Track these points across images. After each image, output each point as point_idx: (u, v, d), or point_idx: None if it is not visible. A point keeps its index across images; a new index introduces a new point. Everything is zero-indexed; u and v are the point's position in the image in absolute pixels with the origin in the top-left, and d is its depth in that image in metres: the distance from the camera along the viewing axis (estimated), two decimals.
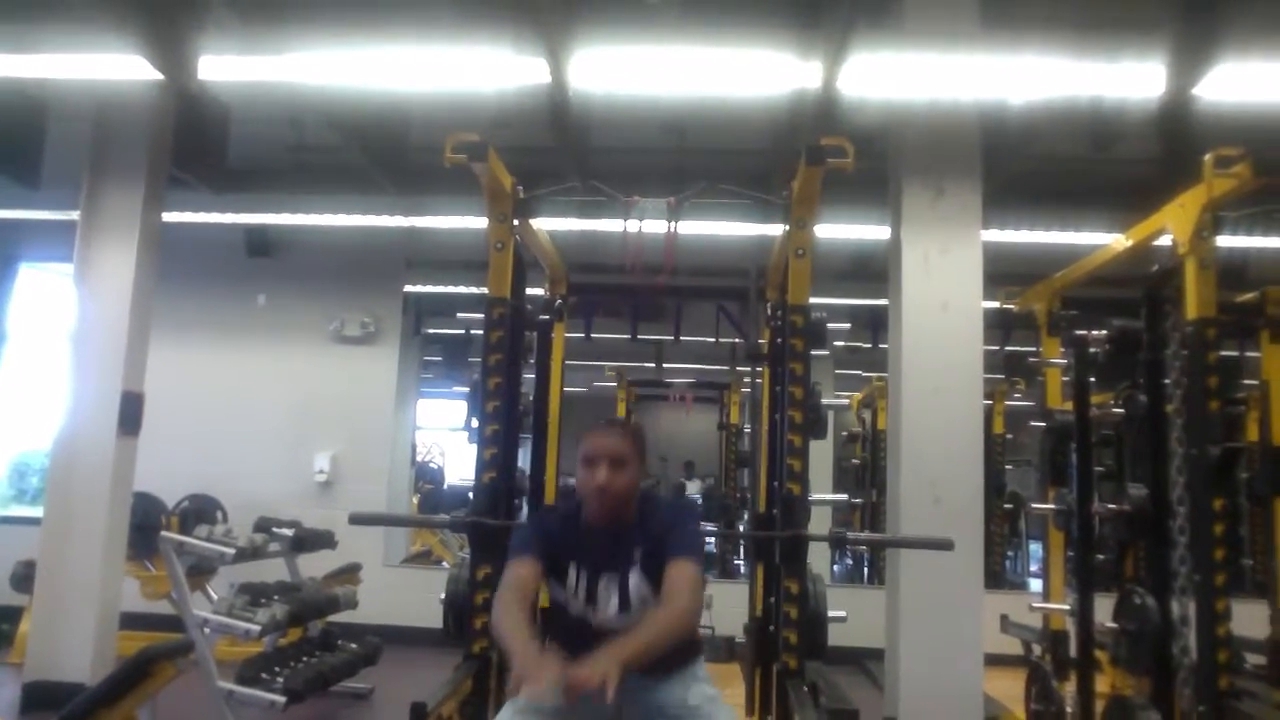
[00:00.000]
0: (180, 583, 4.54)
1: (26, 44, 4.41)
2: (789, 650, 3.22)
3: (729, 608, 6.16)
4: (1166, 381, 3.43)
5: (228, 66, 4.53)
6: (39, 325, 8.09)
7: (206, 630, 4.46)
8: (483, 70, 4.38)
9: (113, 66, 4.47)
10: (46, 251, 7.80)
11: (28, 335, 8.14)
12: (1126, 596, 3.53)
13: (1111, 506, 3.80)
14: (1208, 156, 3.14)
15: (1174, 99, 4.29)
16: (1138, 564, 4.17)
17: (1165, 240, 3.47)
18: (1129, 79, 4.25)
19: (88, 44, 4.37)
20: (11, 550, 5.89)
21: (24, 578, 5.61)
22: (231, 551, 4.59)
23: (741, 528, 8.37)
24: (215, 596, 5.46)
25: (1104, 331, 3.92)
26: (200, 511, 6.58)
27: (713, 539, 9.30)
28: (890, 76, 4.35)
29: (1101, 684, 4.17)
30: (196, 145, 5.91)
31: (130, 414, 5.23)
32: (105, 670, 4.60)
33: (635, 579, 2.33)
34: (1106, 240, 4.35)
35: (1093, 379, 4.27)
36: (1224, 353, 3.29)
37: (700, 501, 11.72)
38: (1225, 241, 3.42)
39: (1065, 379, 4.54)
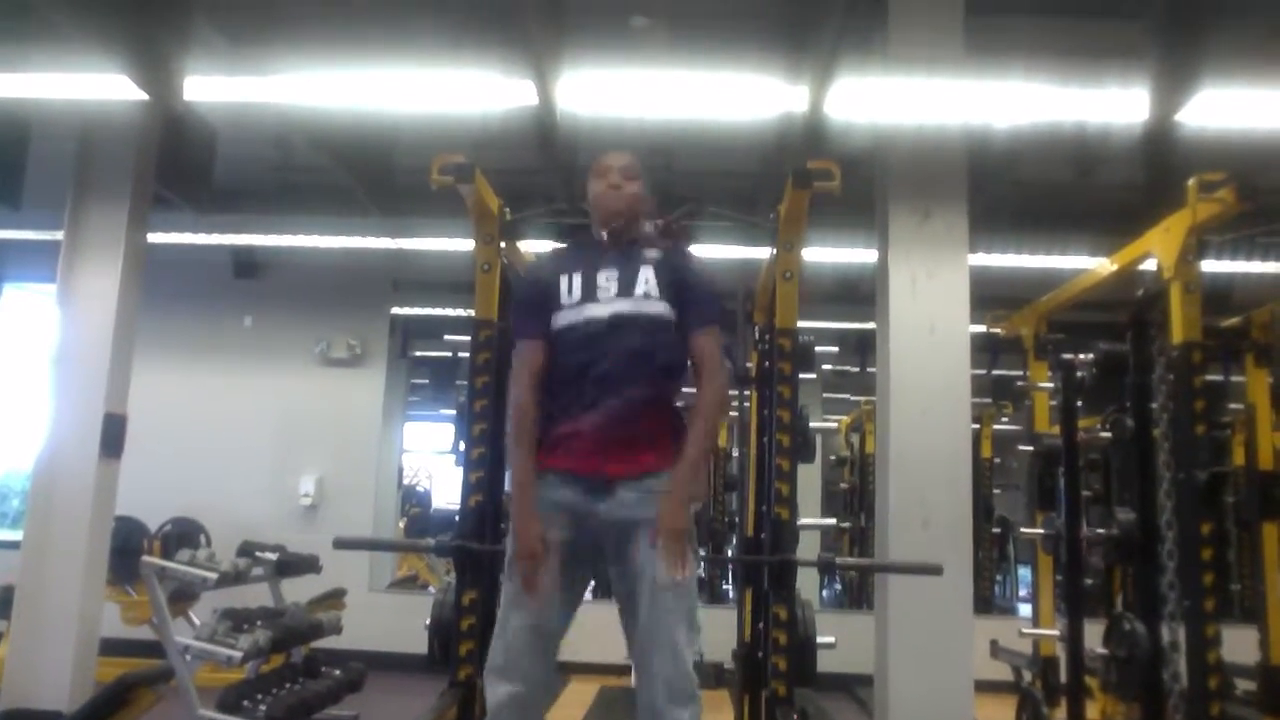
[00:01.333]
0: (161, 608, 4.47)
1: (10, 63, 4.40)
2: (778, 677, 3.19)
3: (717, 633, 6.11)
4: (1153, 405, 3.44)
5: (214, 87, 4.53)
6: (21, 346, 8.03)
7: (188, 656, 4.38)
8: (470, 92, 4.39)
9: (98, 86, 4.45)
10: (29, 272, 7.76)
11: (9, 356, 8.07)
12: (1116, 622, 3.52)
13: (1100, 531, 3.80)
14: (1192, 181, 3.16)
15: (1158, 124, 4.32)
16: (1127, 589, 4.16)
17: (1150, 264, 3.48)
18: (1113, 104, 4.28)
19: (72, 63, 4.36)
20: None
21: (2, 602, 5.52)
22: (214, 576, 4.53)
23: (729, 552, 8.33)
24: (197, 622, 5.38)
25: (1090, 355, 3.93)
26: (183, 535, 6.50)
27: (701, 565, 9.25)
28: (877, 100, 4.37)
29: (1092, 710, 4.14)
30: (182, 165, 5.88)
31: (113, 436, 5.17)
32: (84, 697, 4.52)
33: (646, 273, 2.31)
34: (1092, 264, 4.37)
35: (1080, 403, 4.27)
36: (1210, 377, 3.29)
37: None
38: (1210, 266, 3.43)
39: (1052, 403, 4.55)
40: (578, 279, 2.33)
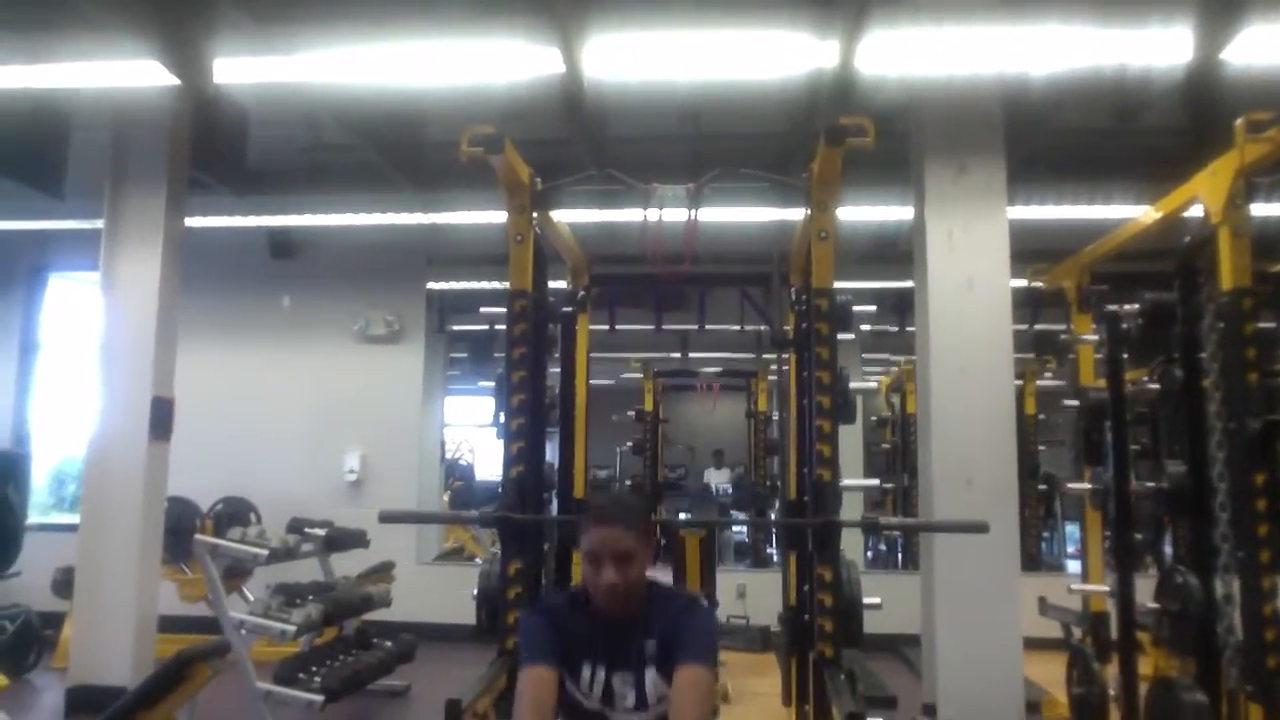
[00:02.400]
0: (216, 585, 4.58)
1: (44, 54, 4.44)
2: (824, 638, 3.19)
3: (763, 597, 6.15)
4: (1202, 355, 3.35)
5: (243, 69, 4.54)
6: (70, 334, 8.19)
7: (243, 631, 4.49)
8: (496, 63, 4.36)
9: (130, 73, 4.49)
10: (74, 261, 7.90)
11: (59, 344, 8.25)
12: (1168, 576, 3.46)
13: (1149, 484, 3.72)
14: (1239, 121, 3.05)
15: (1202, 64, 4.19)
16: (1177, 542, 4.09)
17: (1196, 210, 3.38)
18: (1154, 45, 4.15)
19: (104, 52, 4.40)
20: (53, 557, 5.96)
21: (64, 584, 5.69)
22: (265, 553, 4.62)
23: (773, 516, 8.33)
24: (251, 598, 5.50)
25: (1136, 306, 3.84)
26: (234, 514, 6.63)
27: (745, 528, 9.26)
28: (908, 52, 4.28)
29: (1144, 665, 4.09)
30: (216, 149, 5.94)
31: (161, 419, 5.27)
32: (145, 673, 4.64)
33: (651, 677, 2.27)
34: (1135, 213, 4.26)
35: (1126, 355, 4.18)
36: (1261, 324, 3.20)
37: (730, 491, 11.70)
38: (1259, 209, 3.33)
39: (1097, 356, 4.46)
40: (600, 675, 2.27)
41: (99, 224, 5.44)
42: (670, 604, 2.33)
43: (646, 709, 2.27)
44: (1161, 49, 4.16)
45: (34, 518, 6.76)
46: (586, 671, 2.28)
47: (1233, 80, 4.41)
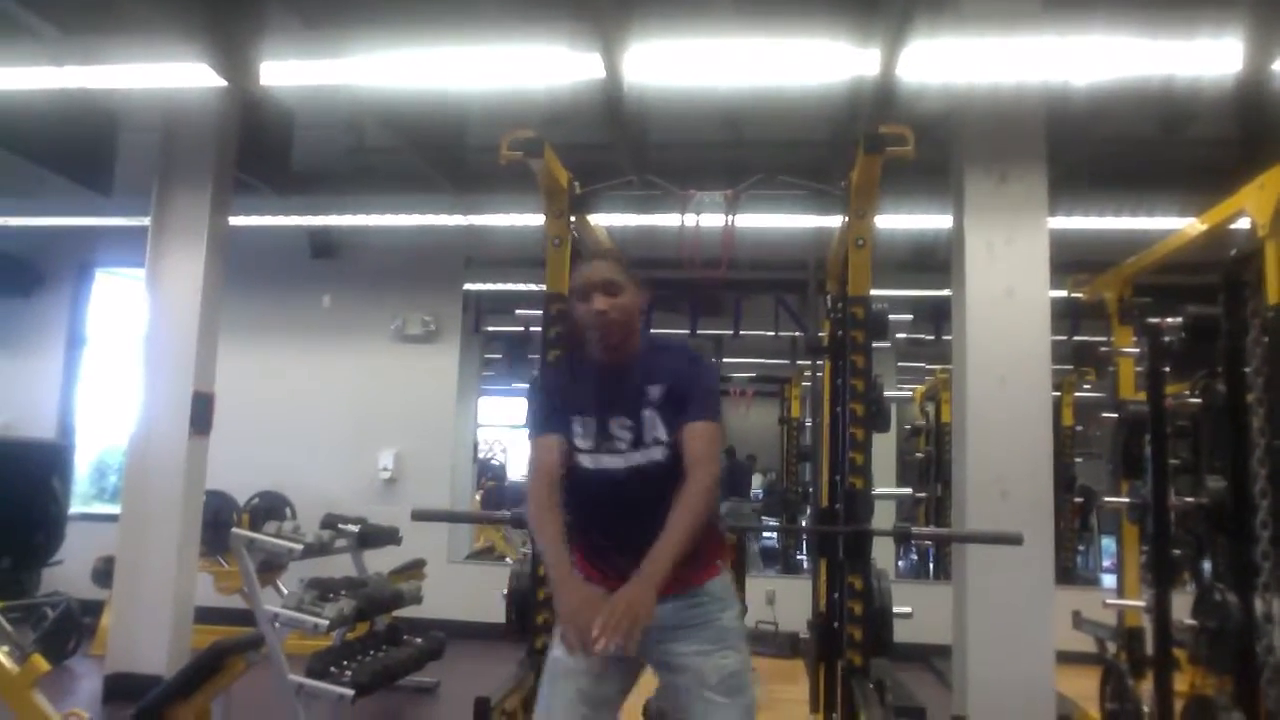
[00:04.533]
0: (251, 578, 4.64)
1: (96, 56, 4.54)
2: (853, 647, 3.18)
3: (792, 604, 6.12)
4: (1247, 370, 3.30)
5: (289, 71, 4.61)
6: (115, 329, 8.35)
7: (277, 624, 4.54)
8: (538, 67, 4.39)
9: (179, 75, 4.58)
10: (120, 257, 8.05)
11: (105, 338, 8.42)
12: (1206, 593, 3.41)
13: (1189, 500, 3.67)
14: None
15: (1251, 75, 4.13)
16: (1217, 559, 4.03)
17: (1243, 223, 3.34)
18: (1203, 55, 4.09)
19: (155, 54, 4.49)
20: (94, 546, 6.07)
21: (104, 573, 5.80)
22: (300, 548, 4.68)
23: (804, 522, 8.30)
24: (285, 591, 5.57)
25: (1179, 319, 3.79)
26: (270, 509, 6.73)
27: (775, 534, 9.24)
28: (951, 61, 4.25)
29: (1180, 683, 4.03)
30: (261, 150, 6.03)
31: (201, 414, 5.36)
32: (181, 663, 4.72)
33: (649, 416, 2.25)
34: (1179, 225, 4.20)
35: (1167, 368, 4.13)
36: None
37: (762, 496, 11.66)
38: None
39: (1138, 368, 4.40)
40: (591, 424, 2.27)
41: (145, 221, 5.54)
42: (672, 354, 2.34)
43: (643, 447, 2.24)
44: (1211, 59, 4.10)
45: (75, 507, 6.86)
46: (578, 425, 2.28)
47: None
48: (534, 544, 2.24)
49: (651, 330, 2.39)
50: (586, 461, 2.27)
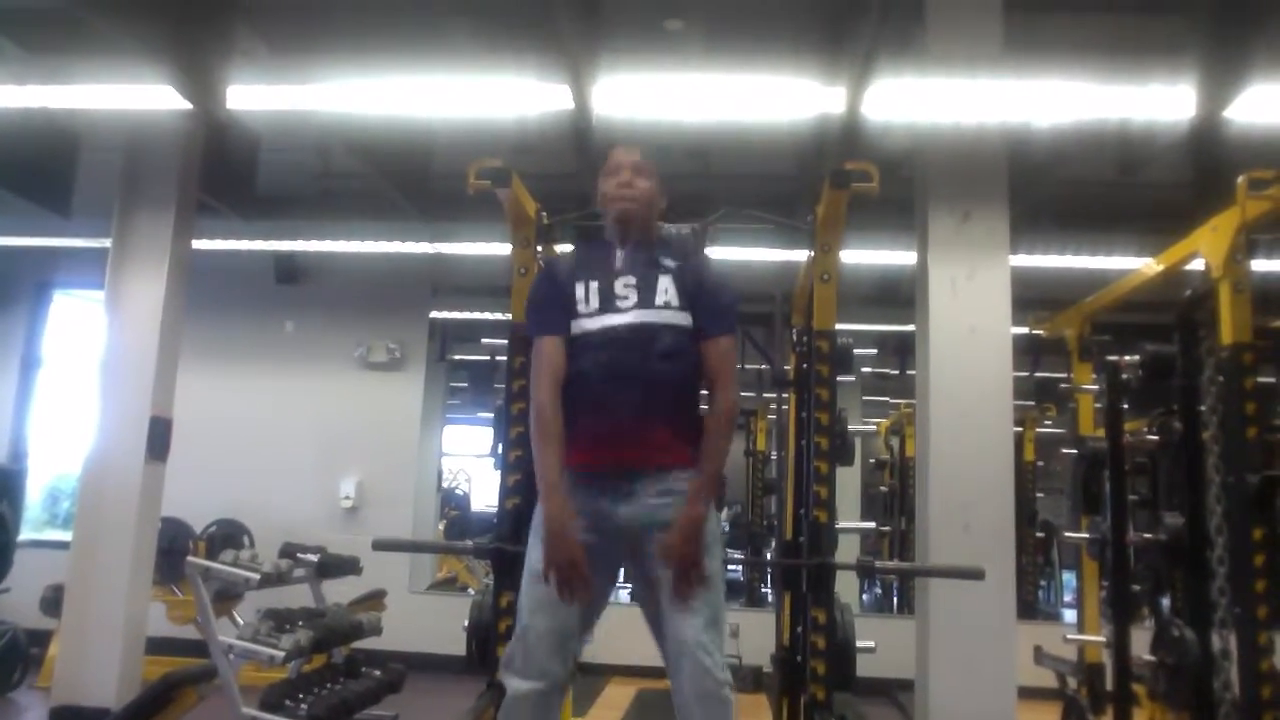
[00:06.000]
0: (206, 607, 4.54)
1: (58, 75, 4.50)
2: (816, 681, 3.17)
3: (756, 637, 6.09)
4: (1202, 408, 3.36)
5: (256, 95, 4.59)
6: (71, 351, 8.21)
7: (231, 655, 4.43)
8: (506, 97, 4.41)
9: (143, 96, 4.54)
10: (79, 278, 7.94)
11: (61, 361, 8.26)
12: (1164, 629, 3.45)
13: (1147, 536, 3.72)
14: (1241, 179, 3.09)
15: (1204, 121, 4.23)
16: (1175, 595, 4.08)
17: (1198, 264, 3.41)
18: (1158, 101, 4.20)
19: (119, 74, 4.45)
20: (44, 574, 5.92)
21: (53, 602, 5.64)
22: (256, 577, 4.59)
23: (768, 555, 8.29)
24: (241, 622, 5.45)
25: (1136, 357, 3.85)
26: (227, 537, 6.59)
27: (739, 567, 9.22)
28: (915, 100, 4.33)
29: (1139, 718, 4.06)
30: (225, 173, 5.98)
31: (158, 439, 5.26)
32: (130, 695, 4.60)
33: (664, 281, 2.26)
34: (1137, 264, 4.29)
35: (1125, 405, 4.19)
36: (1261, 379, 3.21)
37: (728, 529, 11.64)
38: (1260, 265, 3.35)
39: (1097, 405, 4.47)
40: (594, 287, 2.29)
41: (105, 243, 5.46)
42: (691, 248, 2.45)
43: (651, 307, 2.25)
44: (1165, 105, 4.21)
45: (26, 534, 6.72)
46: (581, 289, 2.28)
47: (1235, 138, 4.46)
48: (534, 448, 2.24)
49: None
50: (591, 323, 2.27)
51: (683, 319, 2.26)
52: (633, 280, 2.27)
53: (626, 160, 2.34)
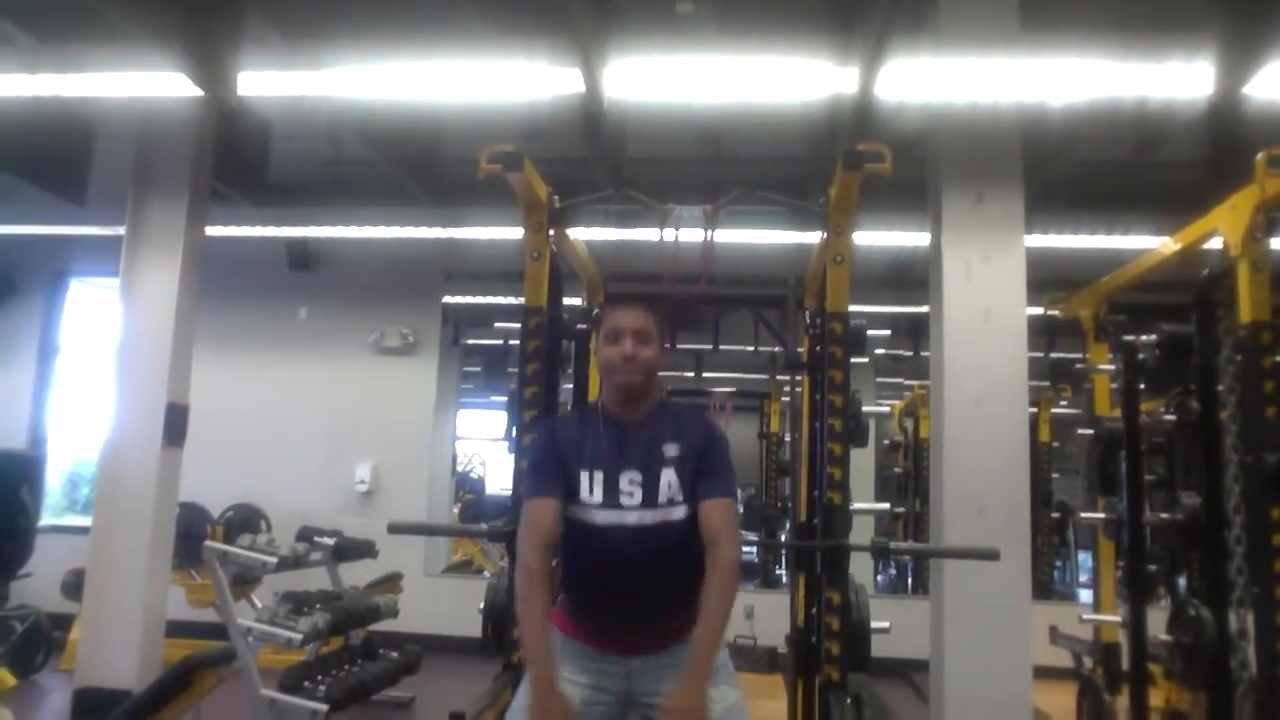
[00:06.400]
0: (224, 591, 4.59)
1: (71, 64, 4.51)
2: (831, 662, 3.17)
3: (770, 618, 6.11)
4: (1220, 387, 3.34)
5: (267, 82, 4.60)
6: (88, 338, 8.26)
7: (250, 638, 4.49)
8: (517, 82, 4.40)
9: (156, 84, 4.56)
10: (94, 266, 7.98)
11: (78, 348, 8.32)
12: (1181, 609, 3.44)
13: (1164, 516, 3.71)
14: (1260, 156, 3.06)
15: (1223, 99, 4.19)
16: (1191, 575, 4.06)
17: (1216, 243, 3.38)
18: (1175, 79, 4.15)
19: (131, 63, 4.46)
20: (64, 559, 5.99)
21: (74, 586, 5.71)
22: (273, 560, 4.63)
23: (782, 537, 8.30)
24: (259, 605, 5.51)
25: (1153, 336, 3.83)
26: (244, 521, 6.66)
27: (754, 549, 9.24)
28: (928, 80, 4.30)
29: (1155, 698, 4.06)
30: (238, 160, 5.99)
31: (175, 425, 5.30)
32: (151, 677, 4.65)
33: (668, 477, 2.22)
34: (1153, 244, 4.26)
35: (1142, 385, 4.17)
36: None
37: (741, 511, 11.65)
38: (1279, 244, 3.33)
39: (1114, 385, 4.45)
40: (599, 477, 2.23)
41: (120, 230, 5.49)
42: (691, 420, 2.33)
43: (654, 507, 2.21)
44: (1183, 83, 4.17)
45: (46, 519, 6.78)
46: (585, 478, 2.23)
47: (1254, 115, 4.41)
48: (519, 615, 2.19)
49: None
50: (594, 517, 2.22)
51: (685, 511, 2.22)
52: (638, 477, 2.22)
53: (629, 326, 2.25)
